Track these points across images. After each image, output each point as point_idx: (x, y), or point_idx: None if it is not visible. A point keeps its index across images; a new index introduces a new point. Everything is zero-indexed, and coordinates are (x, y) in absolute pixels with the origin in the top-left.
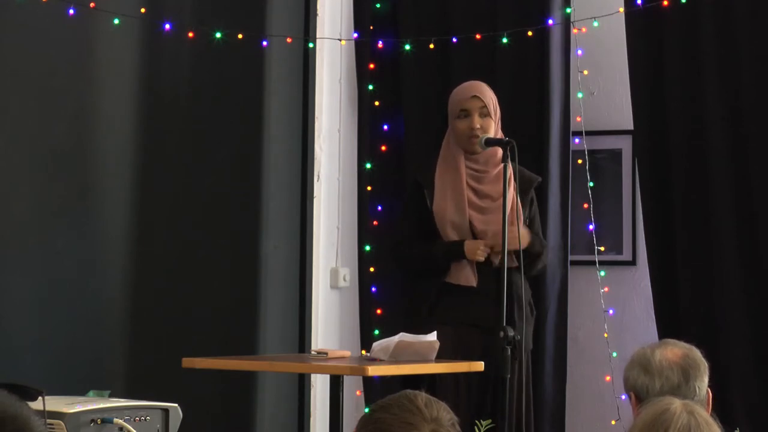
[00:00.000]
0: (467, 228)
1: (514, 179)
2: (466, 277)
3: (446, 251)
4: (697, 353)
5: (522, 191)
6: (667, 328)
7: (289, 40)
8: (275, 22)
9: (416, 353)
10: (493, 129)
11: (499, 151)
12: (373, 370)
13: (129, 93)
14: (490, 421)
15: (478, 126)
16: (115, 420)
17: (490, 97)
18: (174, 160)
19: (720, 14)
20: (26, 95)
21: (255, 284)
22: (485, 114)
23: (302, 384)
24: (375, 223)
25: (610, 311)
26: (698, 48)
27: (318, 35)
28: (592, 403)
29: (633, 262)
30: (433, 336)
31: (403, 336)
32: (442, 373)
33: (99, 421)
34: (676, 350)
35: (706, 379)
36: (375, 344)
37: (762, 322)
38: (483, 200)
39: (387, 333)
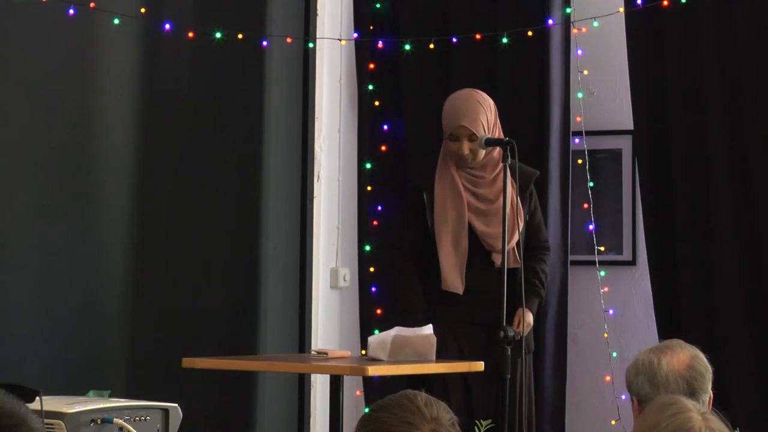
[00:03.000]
0: (465, 233)
1: (513, 177)
2: (454, 284)
3: (416, 319)
4: (702, 361)
5: (521, 188)
6: (667, 328)
7: (289, 40)
8: (275, 22)
9: (414, 350)
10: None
11: (496, 154)
12: (373, 370)
13: (129, 93)
14: (490, 421)
15: (467, 152)
16: (115, 420)
17: (480, 121)
18: (174, 160)
19: (720, 14)
20: (26, 95)
21: (255, 284)
22: (474, 139)
23: (302, 384)
24: (375, 223)
25: (610, 311)
26: (698, 48)
27: (318, 35)
28: (592, 403)
29: (633, 262)
30: (429, 329)
31: (399, 330)
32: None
33: (99, 421)
34: (682, 357)
35: (709, 386)
36: (371, 339)
37: (762, 322)
38: (481, 203)
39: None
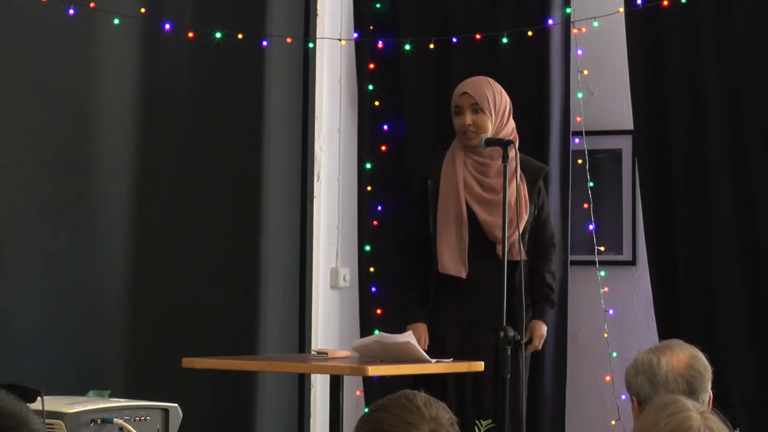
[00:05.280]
0: (465, 218)
1: (523, 170)
2: (455, 267)
3: (406, 311)
4: (701, 360)
5: (530, 182)
6: (667, 328)
7: (289, 40)
8: (275, 22)
9: (393, 357)
10: (492, 124)
11: None
12: (373, 370)
13: (129, 93)
14: (490, 421)
15: (469, 123)
16: (115, 420)
17: (485, 94)
18: (174, 160)
19: (720, 14)
20: (26, 95)
21: (255, 284)
22: (478, 110)
23: (302, 384)
24: (375, 223)
25: (610, 311)
26: (698, 48)
27: (318, 35)
28: (592, 403)
29: (633, 262)
30: (408, 336)
31: (380, 337)
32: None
33: (99, 421)
34: (681, 357)
35: (709, 385)
36: (353, 344)
37: (762, 322)
38: (487, 192)
39: (387, 332)
